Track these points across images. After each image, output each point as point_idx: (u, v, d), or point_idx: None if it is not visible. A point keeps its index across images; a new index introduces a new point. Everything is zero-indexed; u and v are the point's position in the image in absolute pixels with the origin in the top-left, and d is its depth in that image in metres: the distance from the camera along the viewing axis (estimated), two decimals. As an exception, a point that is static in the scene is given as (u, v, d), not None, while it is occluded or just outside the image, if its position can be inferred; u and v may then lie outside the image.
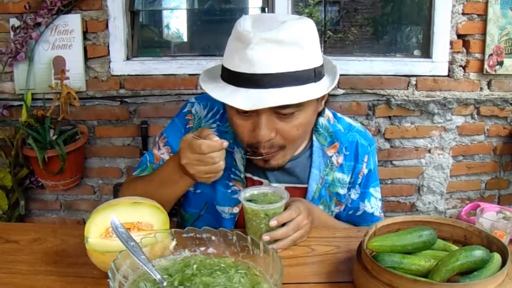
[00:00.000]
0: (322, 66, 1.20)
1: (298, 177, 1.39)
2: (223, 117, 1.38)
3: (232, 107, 1.15)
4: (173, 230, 1.02)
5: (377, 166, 1.50)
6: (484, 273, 0.93)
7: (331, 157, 1.39)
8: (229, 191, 1.38)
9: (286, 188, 1.32)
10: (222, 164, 1.14)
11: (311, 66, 1.15)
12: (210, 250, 1.02)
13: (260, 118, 1.14)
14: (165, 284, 0.87)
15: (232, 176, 1.37)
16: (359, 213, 1.47)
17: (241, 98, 1.10)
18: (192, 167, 1.14)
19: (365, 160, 1.42)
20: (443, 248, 1.06)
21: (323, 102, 1.29)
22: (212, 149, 1.10)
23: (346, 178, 1.41)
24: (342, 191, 1.42)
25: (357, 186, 1.44)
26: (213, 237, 1.02)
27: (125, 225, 0.98)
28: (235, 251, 1.00)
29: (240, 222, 1.38)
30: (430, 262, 0.98)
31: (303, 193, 1.39)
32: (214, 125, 1.39)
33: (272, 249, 0.93)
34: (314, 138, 1.38)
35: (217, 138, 1.11)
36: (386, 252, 1.00)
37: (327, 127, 1.40)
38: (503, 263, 0.95)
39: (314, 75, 1.15)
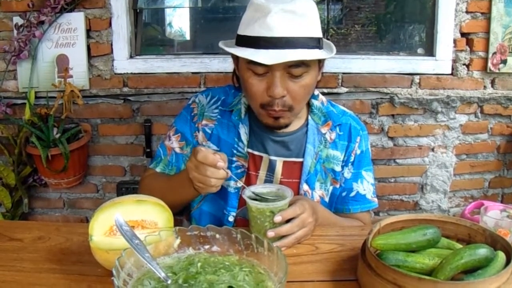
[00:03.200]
0: (322, 39, 1.37)
1: (294, 151, 1.50)
2: (225, 102, 1.54)
3: (248, 70, 1.33)
4: (177, 228, 1.02)
5: (370, 154, 1.60)
6: (489, 272, 0.93)
7: (324, 134, 1.51)
8: (233, 165, 1.47)
9: (284, 162, 1.49)
10: (213, 181, 1.23)
11: (316, 35, 1.32)
12: (214, 248, 1.02)
13: (275, 77, 1.29)
14: (169, 282, 0.87)
15: (235, 152, 1.48)
16: (352, 194, 1.55)
17: (263, 56, 1.25)
18: (190, 171, 1.25)
19: (357, 140, 1.54)
20: (447, 247, 1.06)
21: (320, 74, 1.44)
22: (205, 160, 1.20)
23: (340, 156, 1.52)
24: (337, 168, 1.53)
25: (349, 164, 1.54)
26: (217, 235, 1.02)
27: (129, 223, 0.98)
28: (239, 249, 1.00)
29: (243, 198, 1.41)
30: (434, 260, 0.98)
31: (300, 167, 1.49)
32: (217, 110, 1.53)
33: (277, 247, 0.93)
34: (309, 118, 1.52)
35: (215, 155, 1.21)
36: (390, 250, 1.01)
37: (321, 108, 1.54)
38: (508, 261, 0.95)
39: (319, 43, 1.33)
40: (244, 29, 1.33)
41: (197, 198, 1.53)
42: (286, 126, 1.42)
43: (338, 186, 1.53)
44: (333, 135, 1.52)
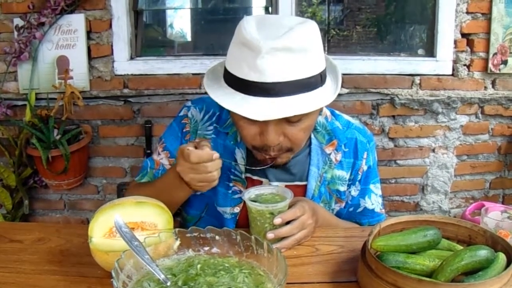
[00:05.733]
0: (325, 68, 1.21)
1: (297, 175, 1.40)
2: (220, 118, 1.40)
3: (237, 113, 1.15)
4: (177, 229, 1.02)
5: (377, 163, 1.50)
6: (489, 273, 0.92)
7: (329, 154, 1.40)
8: (230, 191, 1.39)
9: (286, 186, 1.35)
10: (215, 174, 1.16)
11: (318, 71, 1.16)
12: (214, 249, 1.02)
13: (269, 125, 1.15)
14: (169, 283, 0.87)
15: (232, 177, 1.38)
16: (359, 209, 1.47)
17: (252, 108, 1.10)
18: (186, 174, 1.17)
19: (365, 156, 1.43)
20: (447, 248, 1.06)
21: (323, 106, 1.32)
22: (200, 159, 1.12)
23: (346, 175, 1.42)
24: (342, 188, 1.43)
25: (357, 182, 1.44)
26: (217, 237, 1.02)
27: (129, 225, 0.98)
28: (239, 250, 0.99)
29: (240, 222, 1.40)
30: (435, 262, 0.98)
31: (303, 191, 1.40)
32: (211, 128, 1.40)
33: (276, 249, 0.93)
34: (312, 136, 1.39)
35: (208, 150, 1.13)
36: (390, 252, 1.00)
37: (325, 125, 1.41)
38: (508, 262, 0.95)
39: (321, 79, 1.17)
40: (232, 66, 1.16)
41: (192, 220, 1.46)
42: (285, 164, 1.31)
43: (343, 205, 1.45)
44: (339, 156, 1.40)
